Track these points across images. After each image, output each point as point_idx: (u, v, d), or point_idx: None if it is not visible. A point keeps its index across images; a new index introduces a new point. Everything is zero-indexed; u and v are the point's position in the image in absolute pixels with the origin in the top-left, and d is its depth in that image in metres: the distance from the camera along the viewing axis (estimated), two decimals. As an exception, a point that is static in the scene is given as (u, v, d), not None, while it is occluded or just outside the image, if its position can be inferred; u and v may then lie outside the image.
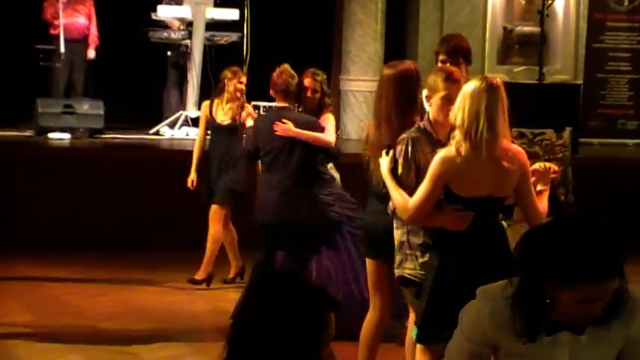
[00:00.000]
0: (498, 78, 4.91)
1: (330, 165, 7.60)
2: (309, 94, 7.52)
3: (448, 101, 4.94)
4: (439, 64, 5.83)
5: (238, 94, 8.58)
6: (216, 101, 8.63)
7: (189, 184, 8.63)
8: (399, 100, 5.46)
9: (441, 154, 4.79)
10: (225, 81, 8.54)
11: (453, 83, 5.03)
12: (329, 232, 7.23)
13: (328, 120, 7.48)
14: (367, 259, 5.78)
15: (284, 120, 7.14)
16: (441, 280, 4.87)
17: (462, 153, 4.71)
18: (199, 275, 8.55)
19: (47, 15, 11.91)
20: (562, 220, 3.00)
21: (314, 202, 7.16)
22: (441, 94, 5.02)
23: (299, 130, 7.13)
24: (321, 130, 7.29)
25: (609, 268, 2.82)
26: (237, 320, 2.70)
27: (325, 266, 7.19)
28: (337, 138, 7.60)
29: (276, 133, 7.11)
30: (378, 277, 5.73)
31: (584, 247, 2.80)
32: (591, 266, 2.80)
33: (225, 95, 8.55)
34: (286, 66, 7.44)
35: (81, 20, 12.12)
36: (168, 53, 12.31)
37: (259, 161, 7.46)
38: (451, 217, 4.83)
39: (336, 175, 7.65)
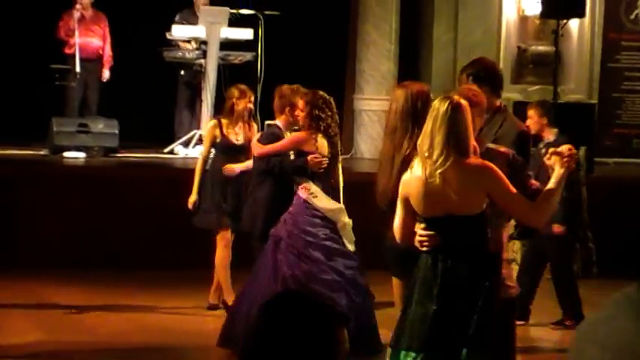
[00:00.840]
0: (459, 98, 4.89)
1: None
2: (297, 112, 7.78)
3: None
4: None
5: (246, 114, 8.53)
6: (224, 121, 8.51)
7: (190, 206, 8.47)
8: (405, 115, 5.44)
9: (404, 176, 4.90)
10: (234, 100, 8.45)
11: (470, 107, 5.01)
12: None
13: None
14: (393, 278, 5.73)
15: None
16: (408, 295, 4.93)
17: (416, 174, 4.80)
18: (228, 298, 8.27)
19: (61, 33, 11.94)
20: None
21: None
22: None
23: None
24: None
25: None
26: (248, 342, 2.66)
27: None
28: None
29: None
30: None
31: None
32: None
33: (235, 115, 8.46)
34: (284, 86, 7.70)
35: (95, 40, 12.15)
36: (182, 73, 12.31)
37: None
38: (414, 237, 4.87)
39: None
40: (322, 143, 7.43)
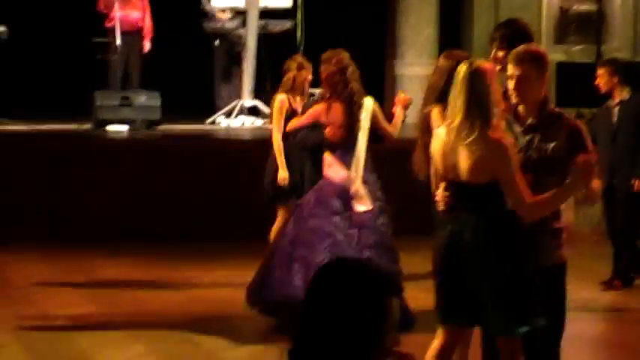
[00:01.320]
0: (487, 63, 4.89)
1: None
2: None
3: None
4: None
5: (307, 86, 8.41)
6: (288, 95, 8.23)
7: (283, 182, 8.13)
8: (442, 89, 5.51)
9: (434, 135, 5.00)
10: (295, 73, 8.27)
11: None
12: None
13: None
14: None
15: None
16: (435, 262, 4.95)
17: (439, 134, 4.85)
18: None
19: (101, 6, 11.96)
20: None
21: None
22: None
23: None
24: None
25: None
26: (302, 307, 2.68)
27: None
28: None
29: None
30: None
31: None
32: None
33: (296, 87, 8.24)
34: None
35: (135, 13, 12.16)
36: (216, 43, 12.24)
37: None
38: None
39: None
40: (337, 112, 7.31)
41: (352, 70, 7.37)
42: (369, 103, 7.37)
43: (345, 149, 7.33)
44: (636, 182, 8.22)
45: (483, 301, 4.73)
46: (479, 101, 4.67)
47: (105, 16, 12.00)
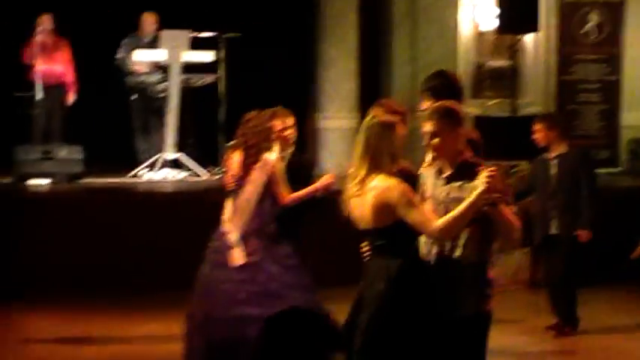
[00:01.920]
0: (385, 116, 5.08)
1: None
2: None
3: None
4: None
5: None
6: None
7: None
8: None
9: None
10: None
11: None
12: None
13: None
14: None
15: None
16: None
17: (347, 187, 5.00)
18: None
19: (26, 57, 11.92)
20: None
21: None
22: None
23: None
24: None
25: None
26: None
27: None
28: None
29: None
30: None
31: None
32: None
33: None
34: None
35: (57, 66, 12.14)
36: (133, 97, 12.29)
37: None
38: None
39: None
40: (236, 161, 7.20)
41: (255, 123, 7.23)
42: (269, 159, 7.13)
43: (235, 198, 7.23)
44: (583, 232, 8.44)
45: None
46: (373, 153, 4.86)
47: (29, 68, 11.96)
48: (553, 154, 8.63)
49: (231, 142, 7.50)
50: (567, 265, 8.55)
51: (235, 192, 7.12)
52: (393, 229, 4.83)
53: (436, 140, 4.94)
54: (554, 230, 8.53)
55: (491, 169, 4.67)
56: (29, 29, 12.03)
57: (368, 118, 5.00)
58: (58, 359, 7.96)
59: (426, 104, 5.65)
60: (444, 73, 6.06)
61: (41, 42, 11.95)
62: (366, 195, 4.84)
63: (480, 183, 4.68)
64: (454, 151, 4.97)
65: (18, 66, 12.00)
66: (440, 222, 4.75)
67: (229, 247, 6.97)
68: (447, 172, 4.99)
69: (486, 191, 4.67)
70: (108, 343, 8.36)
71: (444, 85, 5.82)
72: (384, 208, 4.81)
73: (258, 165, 7.08)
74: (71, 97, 12.23)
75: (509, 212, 4.83)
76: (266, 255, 6.94)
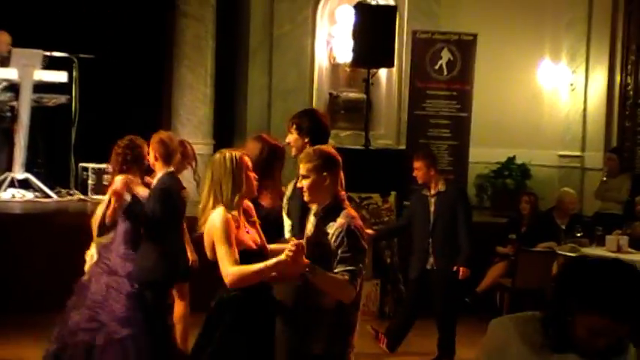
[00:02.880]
0: (232, 152, 5.14)
1: None
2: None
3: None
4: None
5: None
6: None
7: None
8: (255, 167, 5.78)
9: None
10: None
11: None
12: None
13: None
14: None
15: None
16: None
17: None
18: None
19: None
20: (608, 259, 3.20)
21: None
22: None
23: None
24: None
25: (632, 314, 3.03)
26: None
27: None
28: None
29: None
30: None
31: (624, 286, 3.03)
32: (621, 305, 3.01)
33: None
34: (171, 133, 7.46)
35: None
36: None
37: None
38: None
39: None
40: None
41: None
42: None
43: None
44: (462, 269, 8.60)
45: None
46: (216, 185, 5.00)
47: None
48: (432, 192, 8.84)
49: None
50: (444, 300, 8.78)
51: None
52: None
53: (307, 181, 5.02)
54: (431, 265, 8.74)
55: (296, 243, 4.68)
56: None
57: (217, 154, 5.11)
58: None
59: (291, 138, 5.97)
60: (314, 113, 6.22)
61: None
62: (203, 227, 4.98)
63: (284, 254, 4.70)
64: (324, 193, 5.03)
65: None
66: (235, 269, 4.81)
67: None
68: (318, 212, 5.08)
69: (284, 263, 4.68)
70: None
71: (312, 124, 5.96)
72: (211, 241, 4.94)
73: None
74: None
75: (330, 276, 4.82)
76: None
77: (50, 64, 11.88)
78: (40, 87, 11.79)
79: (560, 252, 10.41)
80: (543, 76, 14.72)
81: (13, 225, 10.25)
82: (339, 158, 5.16)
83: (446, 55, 13.43)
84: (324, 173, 5.02)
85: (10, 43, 11.95)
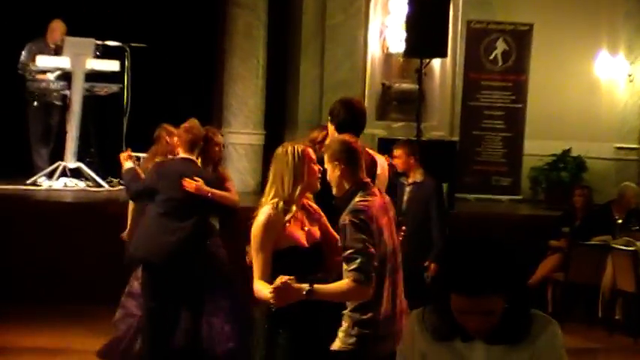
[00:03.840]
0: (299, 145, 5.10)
1: None
2: (217, 149, 7.79)
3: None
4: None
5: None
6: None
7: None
8: None
9: None
10: (168, 140, 8.23)
11: None
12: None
13: (230, 178, 7.91)
14: None
15: (195, 178, 7.17)
16: None
17: None
18: None
19: None
20: (471, 238, 3.19)
21: (208, 253, 7.36)
22: None
23: (212, 190, 7.23)
24: (226, 188, 7.58)
25: (482, 285, 3.04)
26: None
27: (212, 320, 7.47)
28: None
29: (186, 187, 7.12)
30: None
31: (466, 262, 3.07)
32: (464, 280, 3.05)
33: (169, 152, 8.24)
34: (195, 120, 7.47)
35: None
36: (35, 104, 12.07)
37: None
38: None
39: (216, 224, 7.72)
40: None
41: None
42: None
43: None
44: (431, 265, 8.49)
45: None
46: (277, 179, 4.96)
47: None
48: (409, 180, 8.76)
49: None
50: (411, 296, 8.65)
51: None
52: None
53: (331, 176, 5.01)
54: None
55: (283, 280, 4.55)
56: None
57: (280, 147, 5.07)
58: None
59: (329, 129, 5.82)
60: (345, 102, 5.99)
61: None
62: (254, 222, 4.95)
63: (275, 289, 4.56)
64: (338, 183, 5.00)
65: None
66: (256, 285, 4.80)
67: None
68: (335, 204, 5.04)
69: (272, 299, 4.57)
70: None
71: (339, 113, 5.84)
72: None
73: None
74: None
75: (331, 289, 4.74)
76: None
77: (103, 53, 11.94)
78: (93, 76, 11.87)
79: (614, 245, 10.30)
80: (600, 67, 14.54)
81: (65, 214, 10.33)
82: (354, 148, 5.03)
83: (501, 46, 13.35)
84: (335, 162, 4.97)
85: (65, 32, 12.05)
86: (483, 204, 13.16)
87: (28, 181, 11.78)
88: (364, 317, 4.91)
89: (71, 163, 11.78)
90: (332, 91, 12.88)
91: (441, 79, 13.83)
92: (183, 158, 7.31)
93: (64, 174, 11.77)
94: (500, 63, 13.35)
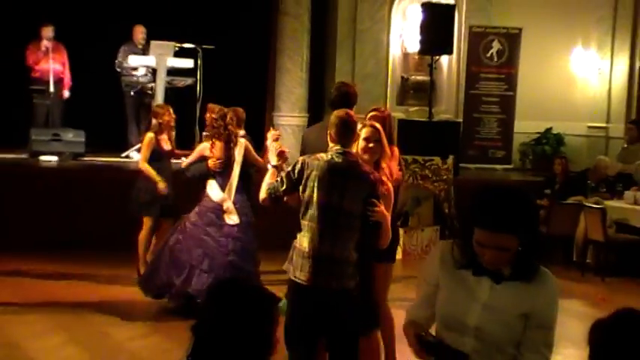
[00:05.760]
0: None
1: None
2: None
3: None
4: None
5: (172, 124, 8.59)
6: (155, 134, 8.49)
7: (164, 191, 8.38)
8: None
9: None
10: (163, 116, 8.43)
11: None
12: None
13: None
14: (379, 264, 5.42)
15: None
16: None
17: None
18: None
19: (29, 61, 11.85)
20: (498, 185, 3.12)
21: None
22: None
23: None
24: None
25: (502, 223, 2.93)
26: (198, 323, 2.65)
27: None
28: None
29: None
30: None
31: (491, 203, 2.97)
32: (487, 218, 2.94)
33: (162, 127, 8.43)
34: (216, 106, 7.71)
35: (57, 66, 12.00)
36: (131, 93, 12.17)
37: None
38: None
39: None
40: (218, 149, 7.53)
41: (230, 117, 7.53)
42: (242, 142, 7.56)
43: (222, 176, 7.49)
44: None
45: None
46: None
47: (31, 69, 11.88)
48: None
49: (206, 133, 7.66)
50: None
51: (222, 172, 7.51)
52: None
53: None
54: None
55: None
56: (31, 36, 11.87)
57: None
58: (46, 299, 7.88)
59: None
60: (338, 84, 6.00)
61: (45, 47, 11.82)
62: None
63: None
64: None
65: (20, 65, 11.84)
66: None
67: (225, 212, 7.41)
68: None
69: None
70: (85, 287, 8.41)
71: (333, 94, 5.78)
72: None
73: (237, 148, 7.42)
74: (66, 93, 12.11)
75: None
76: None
77: (180, 52, 11.95)
78: (172, 71, 11.89)
79: (587, 204, 10.22)
80: (576, 62, 14.37)
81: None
82: (343, 120, 4.74)
83: (496, 45, 13.24)
84: (329, 132, 4.82)
85: (145, 34, 12.10)
86: (482, 172, 13.09)
87: (123, 154, 11.86)
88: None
89: (156, 140, 11.80)
90: (361, 82, 12.81)
91: (448, 72, 13.72)
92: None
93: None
94: (495, 59, 13.25)
